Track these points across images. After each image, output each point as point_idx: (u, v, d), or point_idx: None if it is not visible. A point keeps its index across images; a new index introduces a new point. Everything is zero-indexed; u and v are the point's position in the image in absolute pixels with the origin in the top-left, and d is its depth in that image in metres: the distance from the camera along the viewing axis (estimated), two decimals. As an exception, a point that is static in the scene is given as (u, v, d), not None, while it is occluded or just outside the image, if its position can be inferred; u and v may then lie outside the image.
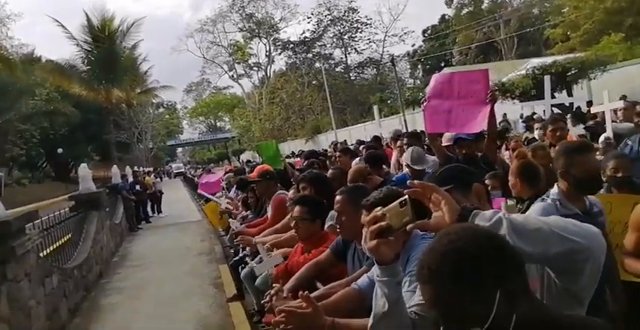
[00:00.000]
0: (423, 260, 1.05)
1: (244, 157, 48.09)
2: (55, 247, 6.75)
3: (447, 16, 55.25)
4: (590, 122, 6.62)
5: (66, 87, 33.76)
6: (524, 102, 13.87)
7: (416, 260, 1.86)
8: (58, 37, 38.60)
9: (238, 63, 60.14)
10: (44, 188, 32.73)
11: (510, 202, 2.97)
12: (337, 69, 54.23)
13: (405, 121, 26.02)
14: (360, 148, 9.06)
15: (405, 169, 5.11)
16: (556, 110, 11.28)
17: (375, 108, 21.59)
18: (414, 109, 30.86)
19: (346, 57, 53.69)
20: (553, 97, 10.64)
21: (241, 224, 5.72)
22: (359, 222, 1.92)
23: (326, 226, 3.33)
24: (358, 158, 6.05)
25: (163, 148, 66.20)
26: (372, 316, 1.57)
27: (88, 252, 7.81)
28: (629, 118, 4.93)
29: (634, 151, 3.54)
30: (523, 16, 46.86)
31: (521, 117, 15.81)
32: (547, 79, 8.86)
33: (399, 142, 6.65)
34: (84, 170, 10.13)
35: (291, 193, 4.61)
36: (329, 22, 52.50)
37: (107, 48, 34.59)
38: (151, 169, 29.40)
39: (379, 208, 1.41)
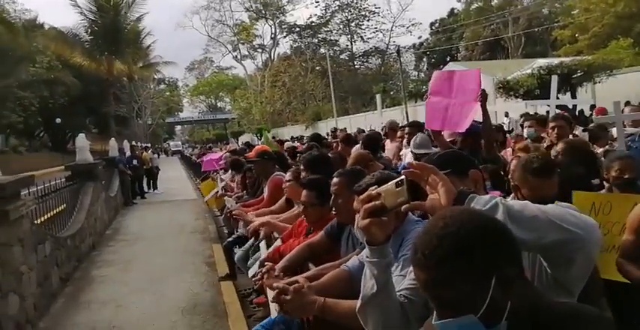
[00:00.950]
0: (417, 244, 1.03)
1: (243, 139, 48.06)
2: (49, 215, 6.75)
3: (456, 10, 54.85)
4: (593, 124, 6.60)
5: (67, 56, 33.52)
6: (528, 100, 13.85)
7: (409, 244, 1.87)
8: (62, 5, 38.15)
9: (242, 43, 59.71)
10: (40, 157, 32.63)
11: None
12: (342, 56, 53.94)
13: (406, 112, 26.00)
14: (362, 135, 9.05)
15: (406, 160, 5.12)
16: (559, 111, 11.27)
17: (378, 97, 21.62)
18: (416, 102, 30.82)
19: (352, 45, 53.43)
20: (557, 98, 10.60)
21: (237, 204, 5.73)
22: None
23: None
24: (358, 145, 6.04)
25: (162, 125, 65.96)
26: (360, 298, 1.56)
27: (82, 223, 7.81)
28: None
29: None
30: (532, 15, 46.55)
31: (523, 116, 15.80)
32: (554, 78, 8.82)
33: (399, 133, 6.65)
34: (82, 141, 10.09)
35: (288, 174, 4.61)
36: (337, 7, 52.09)
37: (111, 19, 34.32)
38: (149, 145, 29.33)
39: (374, 187, 1.40)
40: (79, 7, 34.46)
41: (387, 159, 5.97)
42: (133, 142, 20.67)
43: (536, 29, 42.11)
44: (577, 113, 12.99)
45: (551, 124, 4.01)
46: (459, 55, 54.25)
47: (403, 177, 1.32)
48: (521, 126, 9.83)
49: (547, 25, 40.85)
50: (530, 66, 18.06)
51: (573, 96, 15.35)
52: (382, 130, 10.47)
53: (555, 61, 17.74)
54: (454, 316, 0.98)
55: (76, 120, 39.10)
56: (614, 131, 5.37)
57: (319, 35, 53.27)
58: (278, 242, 3.52)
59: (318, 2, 52.32)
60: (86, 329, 4.92)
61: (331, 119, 33.98)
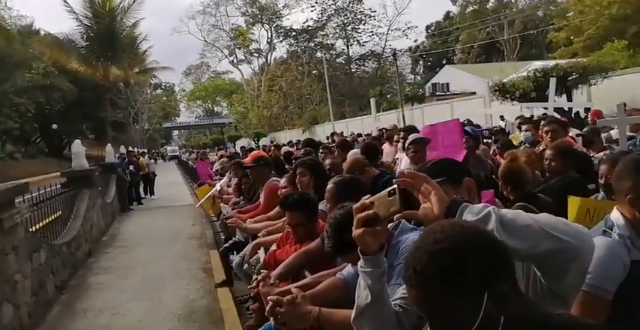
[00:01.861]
0: (409, 260, 1.01)
1: (240, 143, 48.03)
2: (45, 222, 6.71)
3: (451, 13, 55.08)
4: (586, 128, 6.59)
5: (63, 62, 33.57)
6: (524, 103, 13.89)
7: (405, 253, 1.85)
8: (57, 11, 38.18)
9: (239, 48, 59.79)
10: (37, 164, 32.53)
11: None
12: (338, 60, 53.96)
13: (403, 116, 26.03)
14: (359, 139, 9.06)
15: (402, 164, 5.12)
16: (555, 114, 11.30)
17: (372, 101, 21.54)
18: (412, 105, 30.89)
19: (348, 48, 53.46)
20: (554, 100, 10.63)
21: (232, 210, 5.71)
22: None
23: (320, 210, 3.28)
24: (354, 150, 6.03)
25: (159, 130, 65.91)
26: (354, 308, 1.55)
27: (78, 230, 7.78)
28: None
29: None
30: (527, 17, 46.77)
31: (519, 118, 15.85)
32: (553, 81, 8.85)
33: (395, 137, 6.66)
34: (78, 147, 10.06)
35: (283, 181, 4.59)
36: (333, 11, 52.13)
37: (107, 24, 34.39)
38: (145, 150, 29.29)
39: (367, 196, 1.39)
40: (74, 13, 34.59)
41: (387, 165, 5.97)
42: (130, 148, 20.64)
43: (531, 32, 42.32)
44: (573, 116, 13.02)
45: (544, 129, 4.00)
46: (455, 57, 54.42)
47: (395, 186, 1.31)
48: (519, 128, 9.86)
49: (542, 27, 41.04)
50: (526, 68, 18.12)
51: (569, 98, 15.38)
52: (379, 132, 10.48)
53: (551, 63, 17.80)
54: None
55: (73, 126, 39.02)
56: (612, 133, 5.37)
57: (315, 39, 53.34)
58: (273, 247, 3.50)
59: (314, 7, 52.49)
60: (82, 337, 4.88)
61: (328, 123, 34.00)
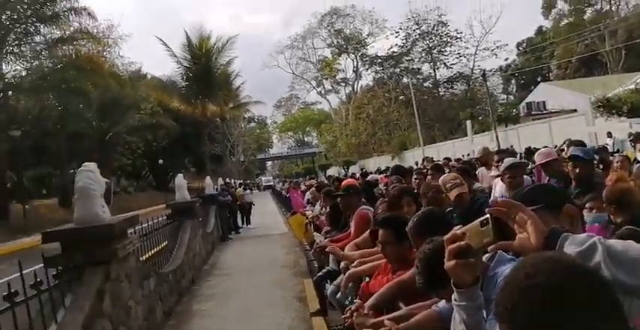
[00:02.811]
0: (499, 296, 0.96)
1: (330, 171, 48.66)
2: (153, 252, 7.22)
3: (544, 28, 52.64)
4: None
5: (167, 101, 36.56)
6: (633, 118, 12.78)
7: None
8: (161, 55, 41.86)
9: (326, 78, 61.43)
10: (146, 196, 35.34)
11: None
12: (425, 84, 53.49)
13: (497, 137, 24.99)
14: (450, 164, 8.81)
15: (496, 190, 4.90)
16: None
17: (468, 124, 20.96)
18: (506, 126, 29.60)
19: (435, 72, 52.84)
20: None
21: (325, 238, 5.76)
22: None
23: None
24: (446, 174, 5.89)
25: (254, 162, 68.84)
26: None
27: (182, 259, 8.25)
28: None
29: None
30: (632, 25, 43.36)
31: (629, 136, 14.57)
32: (662, 93, 8.07)
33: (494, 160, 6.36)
34: (180, 180, 10.78)
35: (380, 205, 4.55)
36: (417, 36, 52.05)
37: (204, 65, 37.05)
38: (240, 181, 30.70)
39: (459, 226, 1.36)
40: (175, 56, 37.69)
41: (480, 189, 5.74)
42: (227, 179, 21.73)
43: (638, 40, 39.07)
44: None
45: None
46: (550, 74, 51.68)
47: (488, 216, 1.26)
48: (633, 146, 9.04)
49: (650, 35, 37.82)
50: (634, 81, 16.76)
51: (687, 110, 13.93)
52: (472, 156, 10.13)
53: (662, 73, 16.31)
54: None
55: (176, 160, 42.11)
56: None
57: (401, 65, 53.41)
58: (366, 278, 3.48)
59: (398, 32, 52.79)
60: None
61: (418, 148, 33.49)
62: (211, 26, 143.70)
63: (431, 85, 53.41)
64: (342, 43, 58.32)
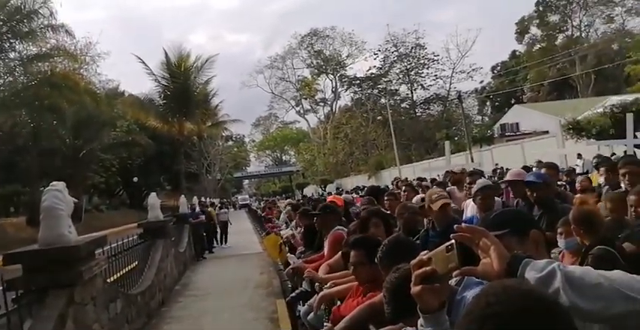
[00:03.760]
0: (461, 324, 0.96)
1: (308, 190, 48.62)
2: (122, 273, 7.01)
3: (517, 52, 54.21)
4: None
5: (143, 119, 36.20)
6: (602, 141, 13.12)
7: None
8: (139, 73, 41.60)
9: (305, 98, 61.86)
10: (119, 215, 34.59)
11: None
12: (403, 105, 54.27)
13: (472, 158, 25.36)
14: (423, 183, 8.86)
15: (467, 212, 4.93)
16: (638, 151, 10.57)
17: (447, 144, 21.21)
18: (481, 147, 30.12)
19: (412, 93, 53.71)
20: (635, 137, 9.97)
21: (299, 258, 5.69)
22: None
23: None
24: (419, 196, 5.91)
25: (230, 180, 68.32)
26: None
27: (152, 279, 8.05)
28: None
29: None
30: (601, 51, 45.04)
31: (597, 157, 14.95)
32: (630, 116, 8.33)
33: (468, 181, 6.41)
34: (153, 199, 10.59)
35: (352, 227, 4.52)
36: (395, 58, 53.00)
37: (182, 83, 36.93)
38: (215, 200, 30.33)
39: (425, 252, 1.36)
40: (153, 74, 37.51)
41: (454, 209, 5.76)
42: (202, 198, 21.46)
43: (606, 66, 40.54)
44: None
45: (621, 171, 3.70)
46: (524, 96, 53.03)
47: (453, 241, 1.26)
48: (596, 168, 9.25)
49: (618, 61, 39.27)
50: (602, 104, 17.27)
51: (653, 134, 14.36)
52: (445, 177, 10.22)
53: (630, 97, 16.84)
54: None
55: (152, 178, 41.50)
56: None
57: (379, 86, 54.19)
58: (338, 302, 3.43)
59: (376, 54, 53.68)
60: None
61: (394, 168, 33.74)
62: (192, 45, 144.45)
63: (408, 106, 54.21)
64: (322, 63, 58.98)
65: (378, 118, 49.29)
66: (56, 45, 25.52)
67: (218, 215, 17.28)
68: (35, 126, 26.01)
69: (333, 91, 59.78)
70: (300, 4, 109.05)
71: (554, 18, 50.85)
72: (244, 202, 55.65)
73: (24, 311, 3.87)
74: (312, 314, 4.32)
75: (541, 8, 50.72)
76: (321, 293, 4.09)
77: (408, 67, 52.74)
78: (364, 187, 17.49)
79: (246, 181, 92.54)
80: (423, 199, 5.65)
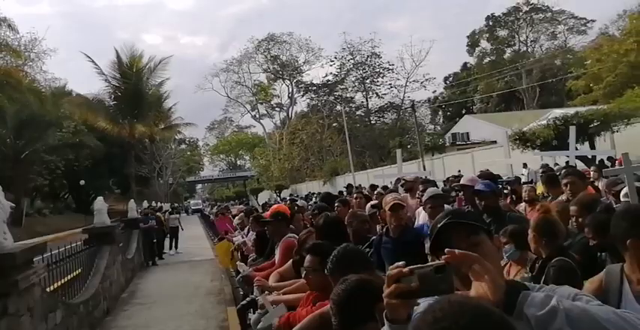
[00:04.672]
0: None
1: (262, 195, 48.18)
2: (64, 281, 6.69)
3: (468, 64, 56.06)
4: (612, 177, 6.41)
5: (92, 121, 34.86)
6: (545, 151, 13.71)
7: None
8: (89, 73, 40.01)
9: (261, 103, 61.49)
10: (64, 219, 33.10)
11: (526, 275, 2.81)
12: (358, 112, 54.94)
13: (424, 166, 25.92)
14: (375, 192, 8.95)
15: (420, 219, 5.01)
16: (579, 162, 11.11)
17: (398, 152, 21.58)
18: (433, 155, 30.87)
19: (367, 101, 54.51)
20: (576, 148, 10.47)
21: (250, 267, 5.61)
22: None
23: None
24: (370, 203, 5.96)
25: (183, 184, 66.82)
26: None
27: (97, 287, 7.73)
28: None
29: None
30: (545, 66, 47.27)
31: (542, 167, 15.62)
32: (572, 129, 8.69)
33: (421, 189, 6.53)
34: (99, 203, 10.18)
35: (302, 234, 4.50)
36: (352, 66, 53.66)
37: (134, 84, 35.89)
38: (165, 205, 29.47)
39: (402, 262, 1.30)
40: (103, 74, 36.25)
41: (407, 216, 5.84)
42: (154, 203, 20.87)
43: (550, 80, 42.56)
44: (597, 163, 12.75)
45: (563, 181, 3.87)
46: (474, 107, 54.83)
47: (444, 263, 1.22)
48: (541, 178, 9.62)
49: (561, 76, 41.30)
50: (546, 117, 18.07)
51: (592, 146, 15.16)
52: (396, 184, 10.35)
53: (571, 111, 17.72)
54: None
55: (100, 181, 39.96)
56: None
57: (335, 93, 54.66)
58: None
59: (333, 62, 54.15)
60: None
61: (349, 174, 34.03)
62: (145, 45, 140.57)
63: (363, 114, 54.91)
64: (278, 69, 58.87)
65: (334, 124, 49.66)
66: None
67: (168, 221, 16.81)
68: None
69: (289, 97, 59.79)
70: (257, 9, 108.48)
71: (502, 33, 52.99)
72: (197, 207, 54.56)
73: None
74: (261, 323, 4.26)
75: (491, 23, 52.75)
76: (271, 299, 4.03)
77: (364, 75, 53.52)
78: (319, 193, 17.53)
79: (199, 186, 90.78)
80: (373, 206, 5.74)
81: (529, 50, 51.70)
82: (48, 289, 5.57)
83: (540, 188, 7.64)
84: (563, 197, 3.88)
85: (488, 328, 0.90)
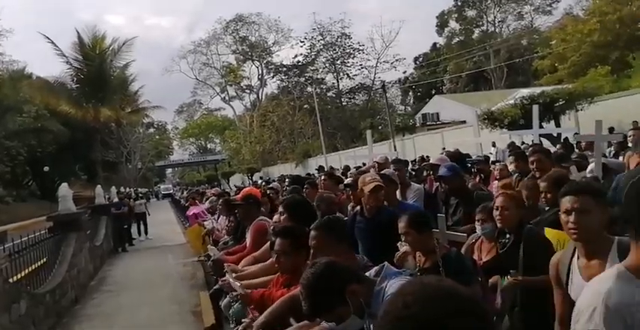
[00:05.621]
0: (379, 325, 0.91)
1: (234, 179, 47.84)
2: (28, 271, 6.49)
3: (438, 45, 56.28)
4: (574, 155, 6.54)
5: (54, 105, 33.56)
6: (513, 130, 13.94)
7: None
8: (49, 54, 38.38)
9: (230, 85, 60.58)
10: (28, 207, 32.08)
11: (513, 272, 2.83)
12: (329, 94, 54.70)
13: (395, 147, 26.11)
14: (349, 173, 8.94)
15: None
16: (544, 140, 11.33)
17: (369, 133, 21.65)
18: (403, 135, 31.09)
19: (338, 82, 54.26)
20: (541, 127, 10.66)
21: (220, 251, 5.53)
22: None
23: None
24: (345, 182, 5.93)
25: (152, 169, 65.67)
26: None
27: (63, 276, 7.53)
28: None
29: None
30: (512, 46, 47.87)
31: (509, 146, 15.89)
32: (536, 108, 8.87)
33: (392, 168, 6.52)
34: (64, 190, 9.85)
35: (275, 217, 4.46)
36: (322, 47, 53.18)
37: (97, 66, 34.64)
38: (131, 190, 28.81)
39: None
40: (64, 56, 34.80)
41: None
42: (122, 189, 20.43)
43: (517, 60, 43.16)
44: (562, 141, 13.05)
45: (530, 159, 3.93)
46: (444, 87, 55.29)
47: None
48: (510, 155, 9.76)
49: (527, 56, 41.93)
50: (514, 96, 18.33)
51: (557, 124, 15.49)
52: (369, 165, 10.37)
53: (537, 90, 18.02)
54: None
55: (65, 167, 38.82)
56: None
57: (306, 74, 54.16)
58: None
59: (303, 42, 53.53)
60: None
61: (321, 156, 34.03)
62: (108, 26, 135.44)
63: (334, 95, 54.71)
64: (247, 50, 57.92)
65: (305, 106, 49.34)
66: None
67: (134, 207, 16.45)
68: None
69: (259, 79, 59.06)
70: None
71: (471, 13, 53.24)
72: (167, 192, 53.87)
73: None
74: (233, 307, 4.22)
75: (459, 3, 52.88)
76: (238, 284, 3.97)
77: (334, 56, 53.14)
78: (291, 175, 17.43)
79: (169, 170, 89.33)
80: (347, 185, 5.70)
81: (497, 30, 52.18)
82: (11, 280, 5.39)
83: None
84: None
85: (460, 315, 0.86)
